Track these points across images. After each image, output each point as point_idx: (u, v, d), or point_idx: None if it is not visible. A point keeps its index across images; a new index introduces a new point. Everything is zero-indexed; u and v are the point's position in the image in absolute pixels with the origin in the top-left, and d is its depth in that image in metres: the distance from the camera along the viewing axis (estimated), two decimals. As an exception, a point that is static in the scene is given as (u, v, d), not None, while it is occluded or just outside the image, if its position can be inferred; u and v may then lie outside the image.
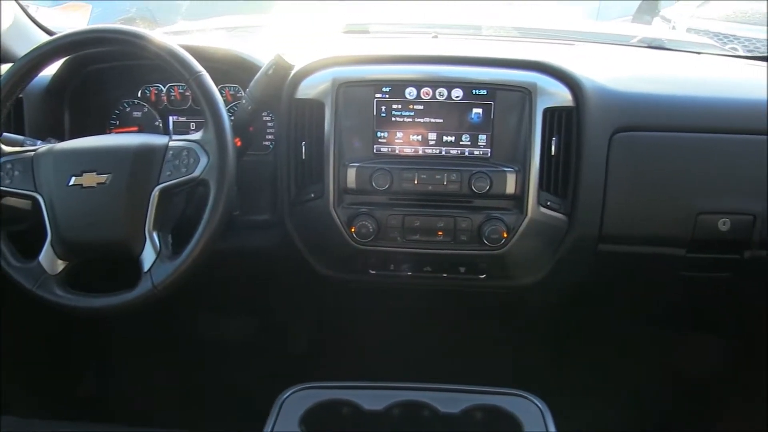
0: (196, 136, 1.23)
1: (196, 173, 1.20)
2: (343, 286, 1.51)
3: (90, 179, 1.22)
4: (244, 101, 1.33)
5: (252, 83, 1.33)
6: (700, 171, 1.36)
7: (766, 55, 1.86)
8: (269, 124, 1.49)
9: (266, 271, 1.60)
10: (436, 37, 1.71)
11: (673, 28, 4.12)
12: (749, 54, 2.29)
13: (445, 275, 1.41)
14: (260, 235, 1.47)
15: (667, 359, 1.88)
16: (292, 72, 1.36)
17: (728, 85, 1.53)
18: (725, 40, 3.85)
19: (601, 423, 1.66)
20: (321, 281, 1.47)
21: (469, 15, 2.19)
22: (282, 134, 1.38)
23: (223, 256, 1.34)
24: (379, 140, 1.35)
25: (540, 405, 1.17)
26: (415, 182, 1.33)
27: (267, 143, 1.49)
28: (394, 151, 1.35)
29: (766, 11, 3.87)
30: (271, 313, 1.90)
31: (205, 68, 1.23)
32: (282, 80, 1.34)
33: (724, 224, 1.36)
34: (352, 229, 1.34)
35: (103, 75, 1.51)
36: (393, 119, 1.34)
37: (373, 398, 1.20)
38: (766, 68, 1.71)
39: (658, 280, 1.53)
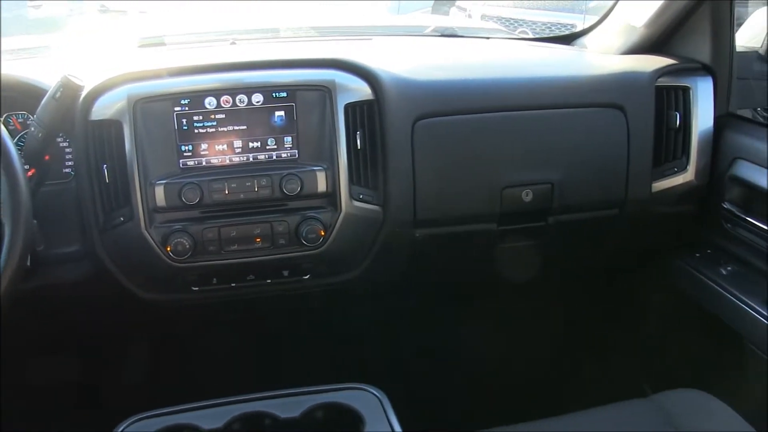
0: None
1: None
2: (169, 308, 1.46)
3: None
4: (33, 129, 1.25)
5: (39, 108, 1.25)
6: (499, 148, 1.44)
7: (549, 36, 2.02)
8: (67, 150, 1.40)
9: (84, 304, 1.51)
10: (234, 43, 1.69)
11: (469, 16, 4.36)
12: (536, 36, 2.47)
13: (269, 281, 1.41)
14: (72, 268, 1.38)
15: (494, 336, 1.98)
16: (83, 93, 1.29)
17: (515, 66, 1.64)
18: (516, 24, 4.13)
19: (440, 409, 1.72)
20: (144, 306, 1.42)
21: (267, 18, 2.18)
22: (81, 159, 1.31)
23: (33, 296, 1.26)
24: (184, 154, 1.32)
25: (378, 395, 1.19)
26: (226, 192, 1.31)
27: (67, 170, 1.40)
28: (201, 163, 1.32)
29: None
30: (98, 347, 1.80)
31: (-17, 97, 1.14)
32: (72, 102, 1.27)
33: (527, 195, 1.46)
34: (168, 248, 1.30)
35: None
36: (196, 131, 1.31)
37: (212, 417, 1.17)
38: (549, 48, 1.86)
39: (475, 256, 1.60)
